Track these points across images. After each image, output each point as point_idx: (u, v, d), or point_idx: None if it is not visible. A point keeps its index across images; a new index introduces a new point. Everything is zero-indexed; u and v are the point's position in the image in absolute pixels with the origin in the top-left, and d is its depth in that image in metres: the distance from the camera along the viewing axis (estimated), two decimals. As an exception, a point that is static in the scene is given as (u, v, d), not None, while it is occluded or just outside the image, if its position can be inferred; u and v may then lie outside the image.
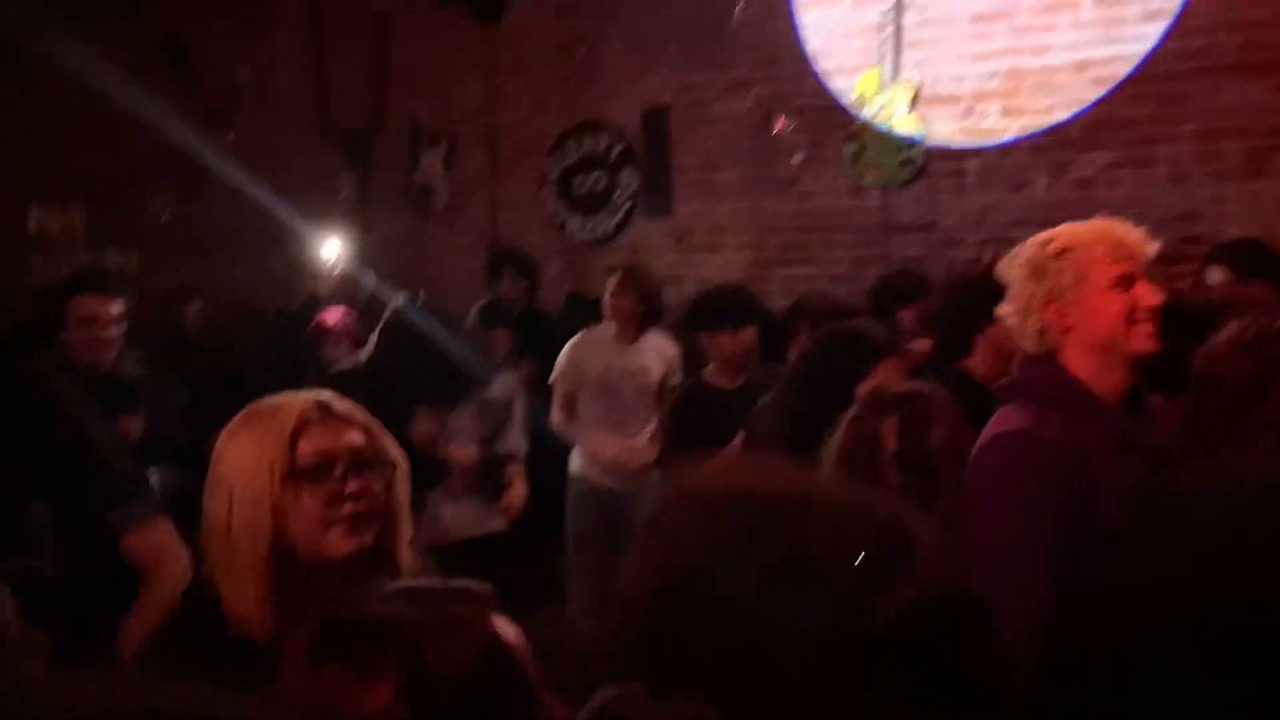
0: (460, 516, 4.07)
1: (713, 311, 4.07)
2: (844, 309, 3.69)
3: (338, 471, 1.51)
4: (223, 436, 1.57)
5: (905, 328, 3.71)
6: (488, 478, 4.13)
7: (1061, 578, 1.72)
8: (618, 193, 5.93)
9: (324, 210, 6.31)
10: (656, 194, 5.77)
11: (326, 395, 1.59)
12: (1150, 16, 4.54)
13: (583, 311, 5.04)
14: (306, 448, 1.51)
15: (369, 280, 5.21)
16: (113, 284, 3.56)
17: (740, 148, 5.50)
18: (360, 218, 6.45)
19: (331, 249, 5.78)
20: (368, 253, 6.06)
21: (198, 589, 1.59)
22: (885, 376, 2.34)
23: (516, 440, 4.28)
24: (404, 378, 3.88)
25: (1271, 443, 1.61)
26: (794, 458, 2.40)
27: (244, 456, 1.52)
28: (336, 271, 5.39)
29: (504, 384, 4.27)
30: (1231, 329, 1.87)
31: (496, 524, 4.13)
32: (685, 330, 4.43)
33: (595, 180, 5.99)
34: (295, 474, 1.50)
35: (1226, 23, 4.43)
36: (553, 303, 5.70)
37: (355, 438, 1.54)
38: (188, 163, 6.26)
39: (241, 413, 1.59)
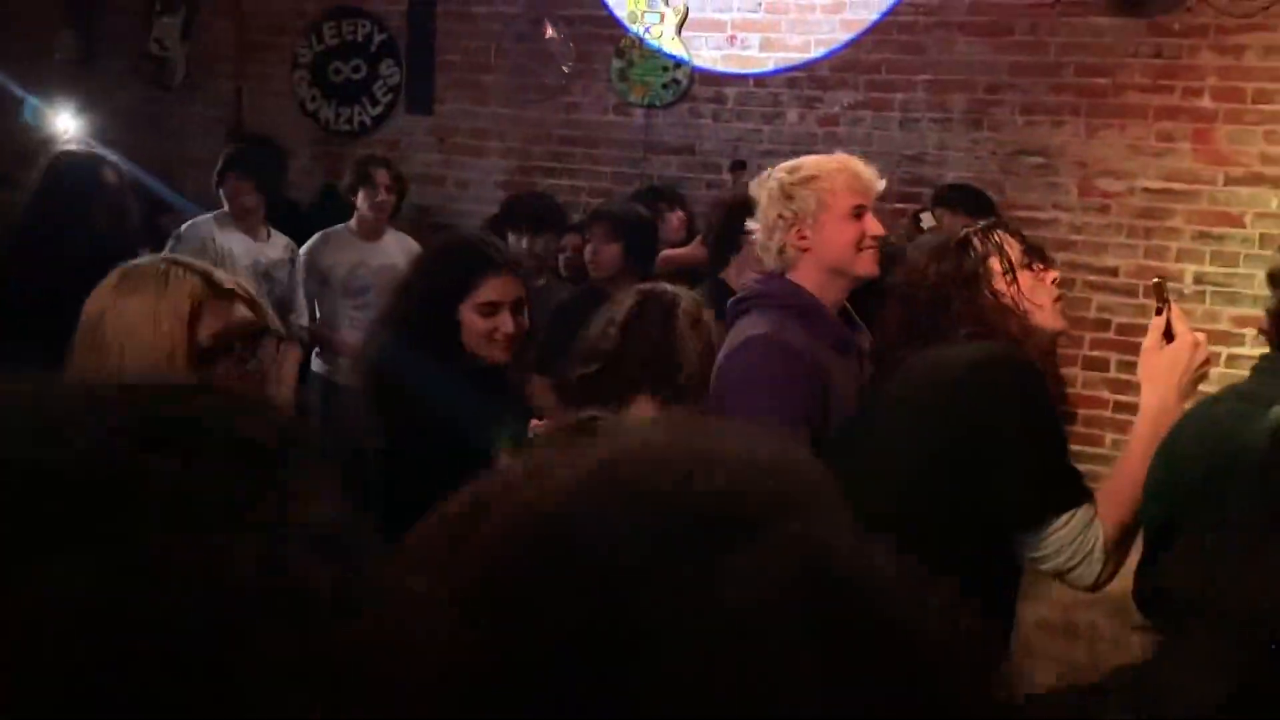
0: None
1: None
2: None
3: (236, 350, 1.52)
4: (105, 296, 1.52)
5: (671, 229, 4.24)
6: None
7: None
8: (378, 84, 5.73)
9: (41, 73, 5.69)
10: (419, 90, 5.63)
11: (206, 267, 1.57)
12: (899, -33, 4.89)
13: (338, 206, 4.87)
14: (206, 329, 1.50)
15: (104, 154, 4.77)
16: None
17: (509, 51, 5.45)
18: (85, 85, 5.88)
19: (57, 119, 5.25)
20: (95, 125, 5.55)
21: None
22: (495, 292, 2.18)
23: (302, 304, 4.27)
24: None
25: (965, 336, 1.93)
26: (394, 356, 2.23)
27: (137, 328, 1.49)
28: (64, 143, 4.91)
29: (275, 247, 4.25)
30: (924, 246, 2.17)
31: None
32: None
33: (353, 69, 5.76)
34: (198, 356, 1.50)
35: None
36: (302, 195, 5.47)
37: (244, 311, 1.55)
38: None
39: (118, 274, 1.54)
